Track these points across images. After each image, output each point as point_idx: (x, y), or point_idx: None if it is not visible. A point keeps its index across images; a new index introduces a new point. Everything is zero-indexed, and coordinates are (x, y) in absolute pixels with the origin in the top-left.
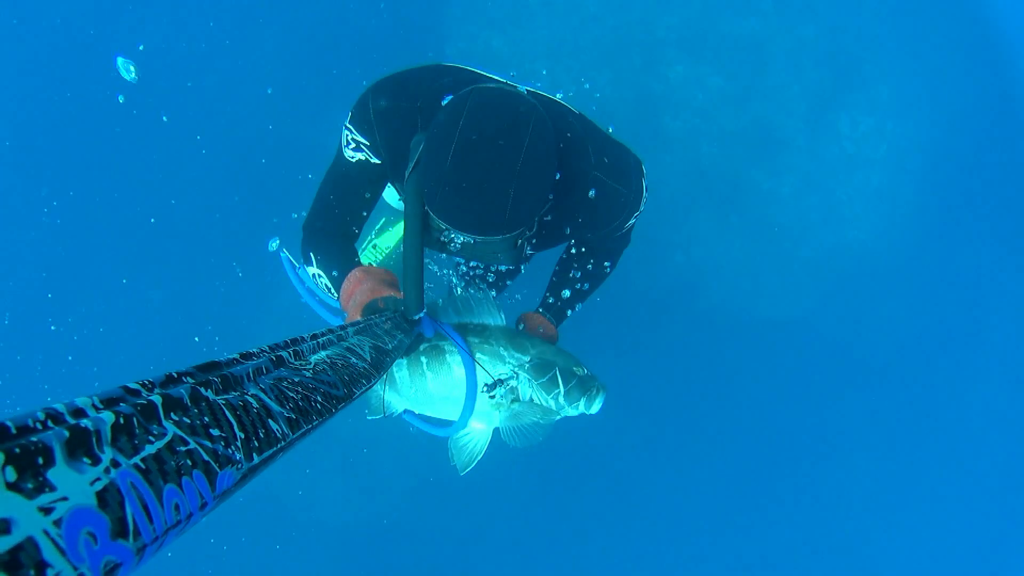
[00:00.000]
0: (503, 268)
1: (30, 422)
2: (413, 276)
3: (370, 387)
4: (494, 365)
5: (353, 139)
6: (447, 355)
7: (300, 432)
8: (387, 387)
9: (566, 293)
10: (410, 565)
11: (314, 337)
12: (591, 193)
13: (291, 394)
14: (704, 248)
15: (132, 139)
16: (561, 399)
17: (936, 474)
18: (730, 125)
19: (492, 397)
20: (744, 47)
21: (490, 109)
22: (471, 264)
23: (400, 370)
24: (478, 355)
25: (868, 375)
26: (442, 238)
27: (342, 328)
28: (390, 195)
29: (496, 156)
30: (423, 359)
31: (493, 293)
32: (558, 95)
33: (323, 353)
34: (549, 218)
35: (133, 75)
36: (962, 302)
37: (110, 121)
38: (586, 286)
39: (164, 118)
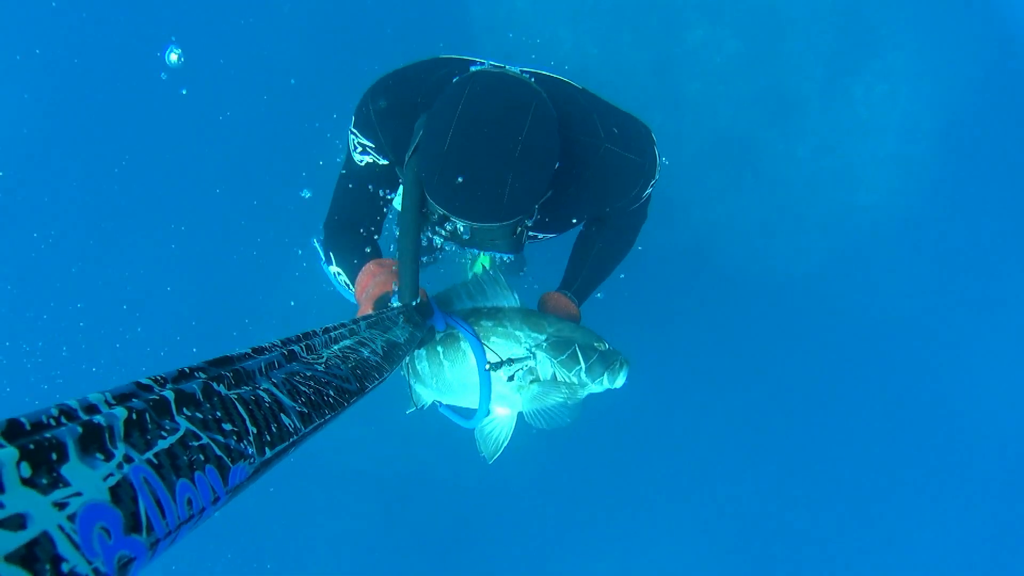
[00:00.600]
0: (506, 257)
1: (44, 419)
2: (408, 262)
3: (382, 380)
4: (509, 346)
5: (359, 143)
6: (461, 342)
7: (312, 426)
8: (414, 380)
9: (586, 272)
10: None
11: (326, 331)
12: (603, 166)
13: (303, 388)
14: (720, 207)
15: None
16: (583, 375)
17: (942, 439)
18: (747, 88)
19: (510, 379)
20: (762, 11)
21: (490, 94)
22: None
23: (421, 362)
24: (492, 338)
25: (877, 333)
26: (440, 224)
27: (354, 322)
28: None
29: (494, 142)
30: (439, 349)
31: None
32: (565, 68)
33: (335, 347)
34: (566, 196)
35: (176, 60)
36: (973, 267)
37: (135, 108)
38: (606, 264)
39: (184, 91)
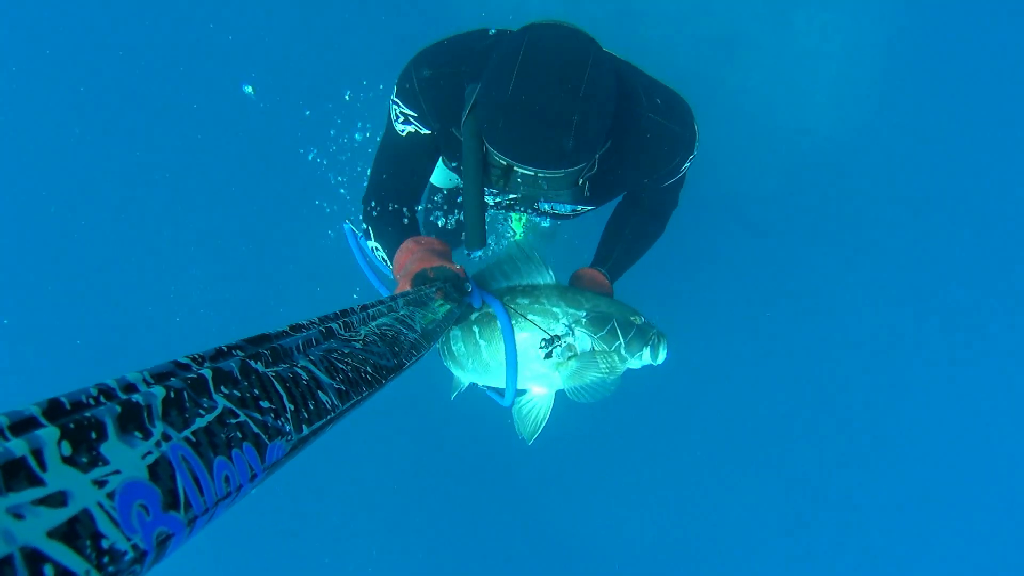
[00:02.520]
0: (563, 209)
1: (83, 398)
2: (474, 208)
3: (420, 357)
4: (548, 324)
5: (401, 112)
6: (497, 321)
7: (350, 403)
8: (450, 363)
9: (619, 250)
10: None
11: (364, 308)
12: (646, 135)
13: (341, 365)
14: None
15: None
16: (623, 351)
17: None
18: (703, 31)
19: (548, 356)
20: None
21: (550, 41)
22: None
23: (456, 343)
24: (530, 316)
25: (832, 247)
26: (502, 178)
27: (392, 299)
28: (436, 175)
29: (558, 85)
30: (475, 328)
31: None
32: None
33: (373, 324)
34: (607, 165)
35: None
36: (920, 181)
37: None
38: (638, 245)
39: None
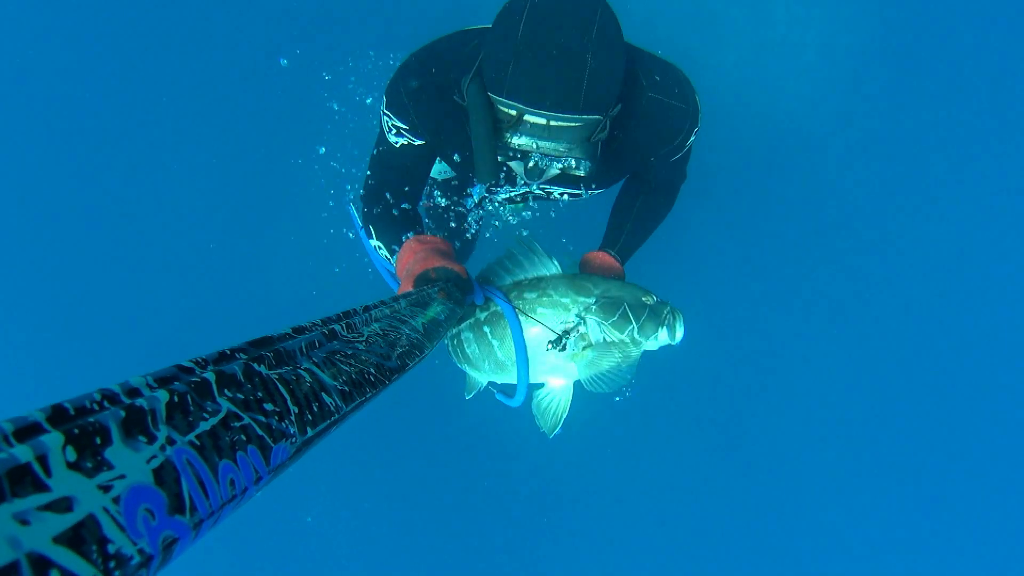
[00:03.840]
0: (577, 169)
1: (87, 403)
2: (483, 141)
3: (423, 358)
4: (557, 315)
5: (392, 124)
6: (504, 320)
7: (354, 404)
8: (465, 366)
9: (628, 229)
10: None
11: (366, 309)
12: (648, 114)
13: (344, 367)
14: None
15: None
16: (636, 335)
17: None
18: (684, 14)
19: (562, 349)
20: None
21: None
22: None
23: (470, 346)
24: (539, 309)
25: (808, 225)
26: (511, 139)
27: (394, 299)
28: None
29: (569, 27)
30: (486, 329)
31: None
32: None
33: (375, 325)
34: (611, 147)
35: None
36: (893, 167)
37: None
38: (647, 223)
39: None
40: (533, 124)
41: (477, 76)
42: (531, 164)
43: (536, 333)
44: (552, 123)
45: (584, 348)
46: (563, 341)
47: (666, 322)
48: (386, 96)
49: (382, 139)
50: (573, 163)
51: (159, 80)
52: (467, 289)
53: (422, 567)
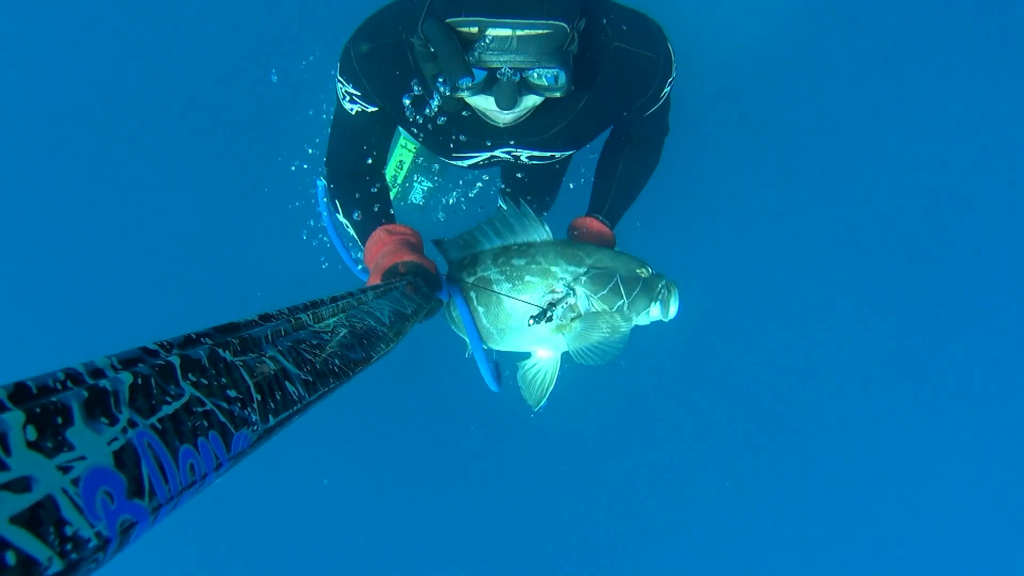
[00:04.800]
0: (554, 89)
1: (50, 382)
2: (453, 55)
3: (389, 351)
4: (547, 284)
5: (346, 91)
6: (493, 285)
7: (317, 395)
8: (455, 328)
9: (614, 191)
10: None
11: (334, 300)
12: (616, 66)
13: (309, 356)
14: None
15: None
16: (626, 310)
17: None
18: None
19: (549, 320)
20: None
21: None
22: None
23: (455, 310)
24: (527, 277)
25: (763, 151)
26: (477, 57)
27: (362, 291)
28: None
29: None
30: (472, 295)
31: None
32: None
33: (343, 316)
34: (581, 103)
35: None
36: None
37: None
38: (634, 181)
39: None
40: (497, 37)
41: (431, 13)
42: (503, 81)
43: (514, 306)
44: (517, 32)
45: (572, 320)
46: (547, 314)
47: (660, 297)
48: (339, 62)
49: (339, 108)
50: (547, 79)
51: (148, 75)
52: (435, 285)
53: (436, 534)
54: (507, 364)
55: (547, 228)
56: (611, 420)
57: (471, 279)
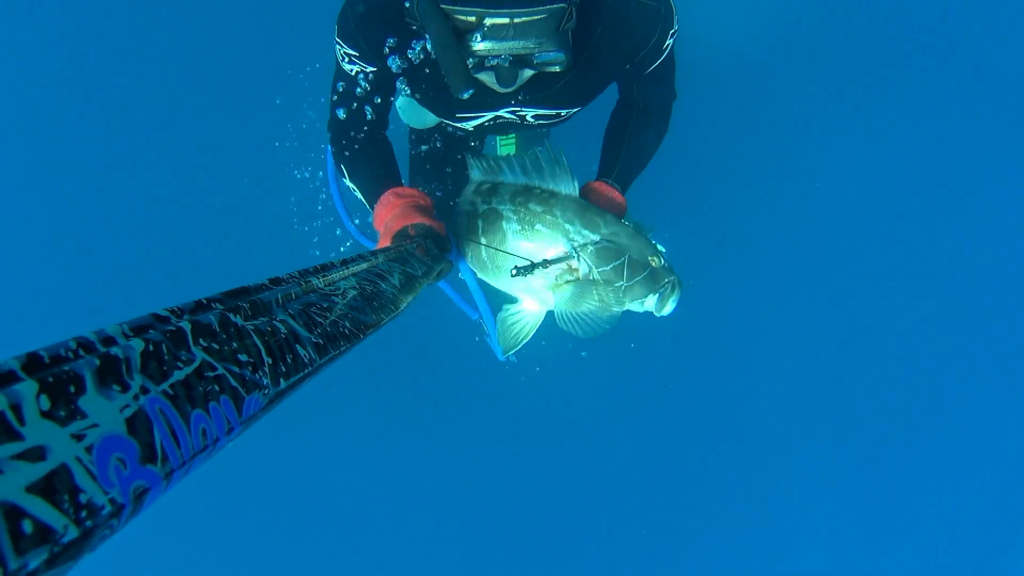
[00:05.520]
0: (552, 66)
1: (62, 351)
2: (452, 59)
3: (399, 313)
4: (554, 236)
5: (344, 52)
6: (503, 221)
7: (328, 357)
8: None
9: (623, 155)
10: None
11: (344, 263)
12: (616, 17)
13: (319, 319)
14: None
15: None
16: (622, 292)
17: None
18: None
19: (544, 268)
20: None
21: None
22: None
23: (461, 226)
24: (537, 225)
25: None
26: (475, 45)
27: (372, 254)
28: (407, 114)
29: None
30: (480, 223)
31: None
32: None
33: (353, 279)
34: (582, 58)
35: None
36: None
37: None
38: (643, 147)
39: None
40: (495, 25)
41: None
42: (502, 64)
43: (528, 247)
44: (515, 20)
45: (567, 283)
46: (534, 270)
47: (660, 291)
48: (337, 23)
49: (338, 70)
50: (546, 58)
51: (147, 72)
52: (445, 246)
53: (435, 530)
54: (496, 305)
55: (576, 184)
56: (612, 419)
57: (484, 207)
